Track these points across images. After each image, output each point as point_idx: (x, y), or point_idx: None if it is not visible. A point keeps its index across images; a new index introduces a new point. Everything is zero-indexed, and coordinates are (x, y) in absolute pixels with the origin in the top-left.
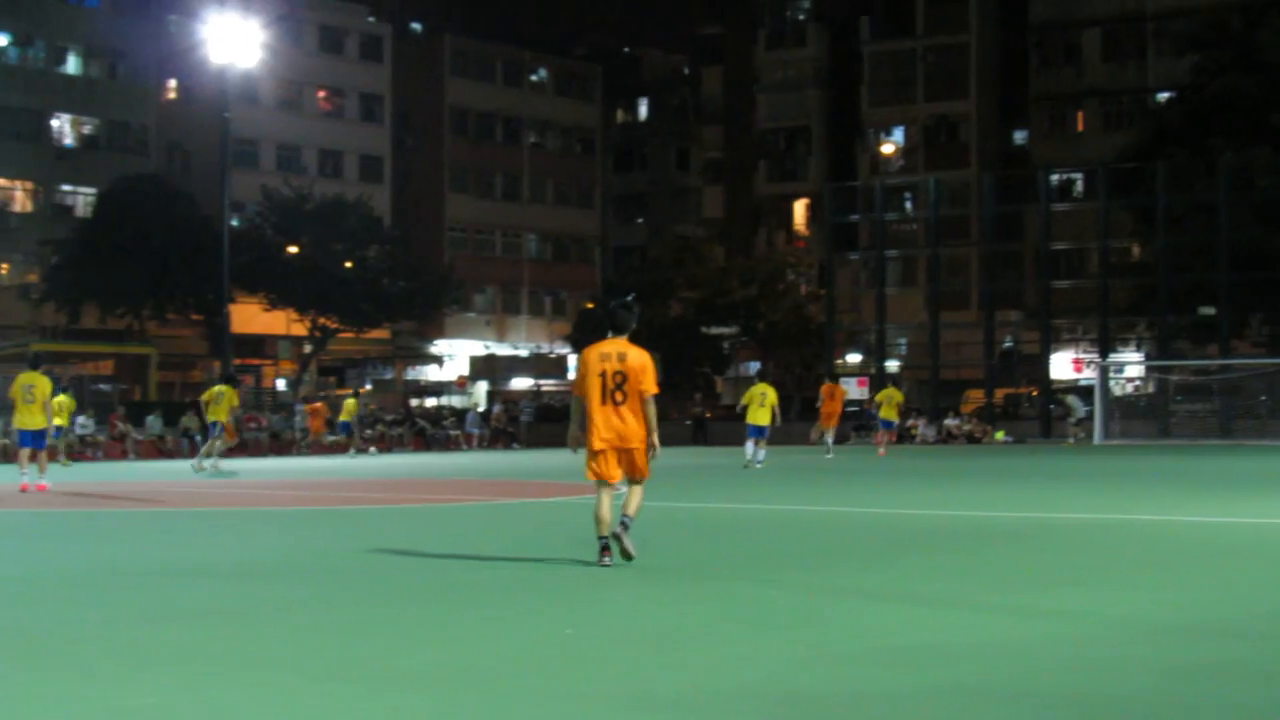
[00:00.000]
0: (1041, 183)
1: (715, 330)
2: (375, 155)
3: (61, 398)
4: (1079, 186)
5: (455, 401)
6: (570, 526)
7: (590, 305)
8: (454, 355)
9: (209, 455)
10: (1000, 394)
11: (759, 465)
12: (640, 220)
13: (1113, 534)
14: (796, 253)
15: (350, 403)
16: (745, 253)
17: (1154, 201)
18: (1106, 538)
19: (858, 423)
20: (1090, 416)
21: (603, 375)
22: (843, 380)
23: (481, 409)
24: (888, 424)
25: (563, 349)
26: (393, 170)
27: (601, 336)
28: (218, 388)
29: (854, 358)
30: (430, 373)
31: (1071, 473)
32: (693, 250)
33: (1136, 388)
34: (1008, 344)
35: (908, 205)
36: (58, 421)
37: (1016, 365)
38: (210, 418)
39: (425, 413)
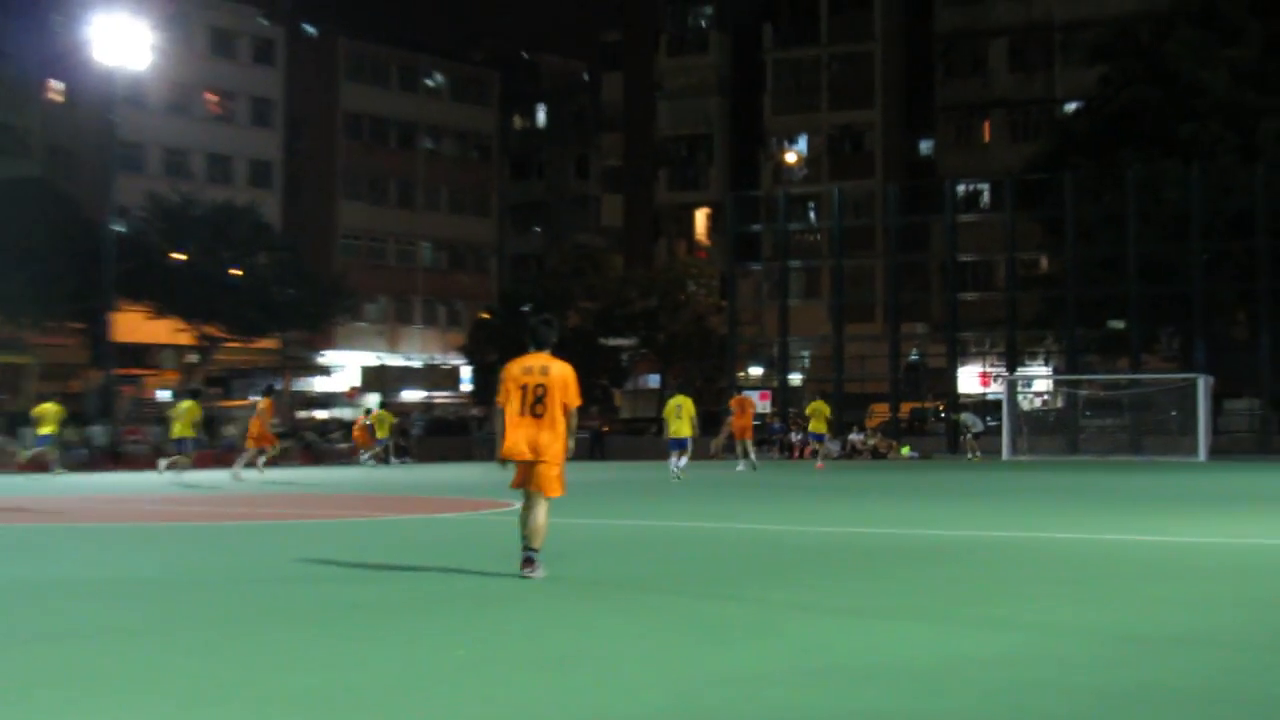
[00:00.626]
0: (948, 193)
1: (614, 342)
2: (265, 160)
3: (49, 406)
4: (985, 197)
5: (345, 413)
6: (470, 542)
7: (485, 315)
8: (344, 366)
9: (176, 468)
10: (906, 408)
11: (676, 477)
12: (538, 229)
13: (1025, 552)
14: (697, 263)
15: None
16: (645, 263)
17: (1062, 213)
18: (1020, 556)
19: (760, 437)
20: (988, 432)
21: (524, 389)
22: (745, 393)
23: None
24: (818, 437)
25: (457, 360)
26: (284, 176)
27: (522, 351)
28: (183, 404)
29: (756, 370)
30: (320, 384)
31: (977, 489)
32: (591, 260)
33: (1045, 402)
34: (914, 357)
35: (811, 215)
36: (46, 430)
37: (923, 379)
38: (175, 434)
39: (312, 424)
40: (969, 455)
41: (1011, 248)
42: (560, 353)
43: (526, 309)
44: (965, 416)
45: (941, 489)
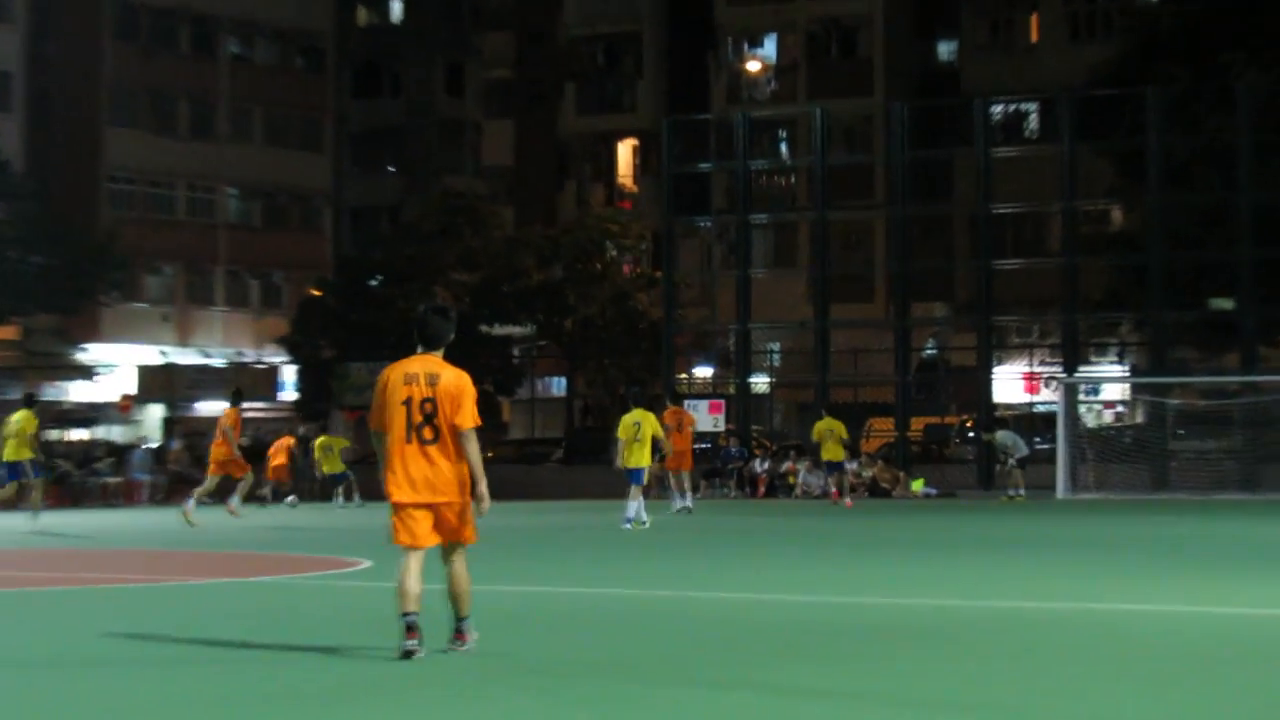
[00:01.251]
0: (978, 117)
1: (500, 330)
2: (1, 70)
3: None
4: (1033, 122)
5: (115, 434)
6: (335, 614)
7: (316, 292)
8: (114, 366)
9: (28, 508)
10: (918, 425)
11: (629, 526)
12: (391, 169)
13: (1080, 630)
14: (620, 217)
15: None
16: (545, 217)
17: (1143, 144)
18: (1074, 634)
19: (710, 465)
20: (1035, 458)
21: (407, 404)
22: (687, 403)
23: (154, 445)
24: (836, 466)
25: (275, 356)
26: (27, 92)
27: (406, 351)
28: (15, 415)
29: (704, 371)
30: (78, 391)
31: (1018, 541)
32: (468, 213)
33: (1118, 416)
34: (930, 351)
35: (783, 149)
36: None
37: (943, 383)
38: (7, 456)
39: (70, 449)
40: (1008, 493)
41: (1069, 194)
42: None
43: (376, 284)
44: (1002, 436)
45: (967, 540)
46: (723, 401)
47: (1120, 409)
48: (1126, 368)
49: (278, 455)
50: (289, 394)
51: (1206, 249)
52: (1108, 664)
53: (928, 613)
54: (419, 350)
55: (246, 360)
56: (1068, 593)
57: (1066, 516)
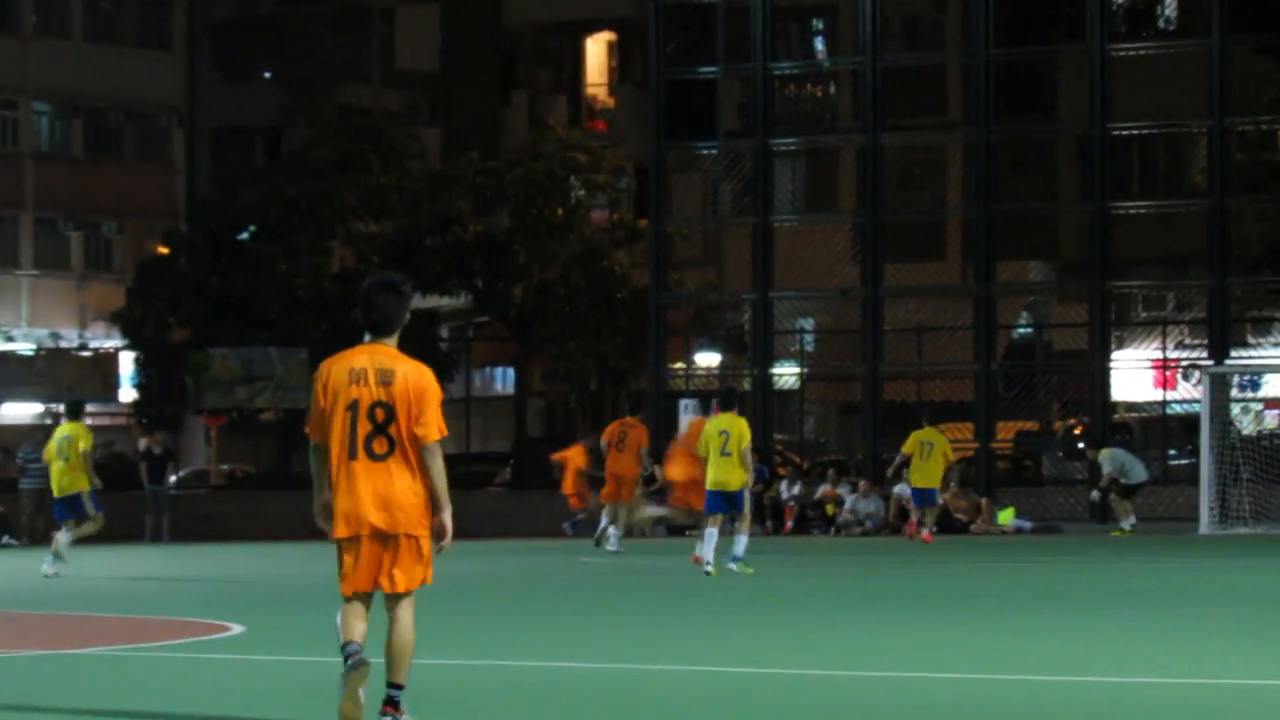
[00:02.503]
0: (1092, 1)
1: (426, 302)
2: None
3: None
4: (1168, 8)
5: None
6: (169, 700)
7: (163, 250)
8: None
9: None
10: (1007, 432)
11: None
12: (266, 74)
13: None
14: (589, 142)
15: None
16: (485, 144)
17: None
18: None
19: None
20: (1165, 480)
21: (353, 408)
22: (685, 403)
23: None
24: (925, 496)
25: (110, 341)
26: None
27: (347, 342)
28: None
29: (707, 358)
30: None
31: (1137, 595)
32: (376, 138)
33: None
34: (1024, 330)
35: (818, 46)
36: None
37: (1042, 374)
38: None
39: None
40: (1123, 525)
41: (1219, 109)
42: (309, 319)
43: (246, 238)
44: (1106, 456)
45: (1073, 594)
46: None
47: None
48: None
49: None
50: (128, 392)
51: None
52: None
53: (1038, 691)
54: (366, 339)
55: (66, 345)
56: (1210, 667)
57: (1213, 559)
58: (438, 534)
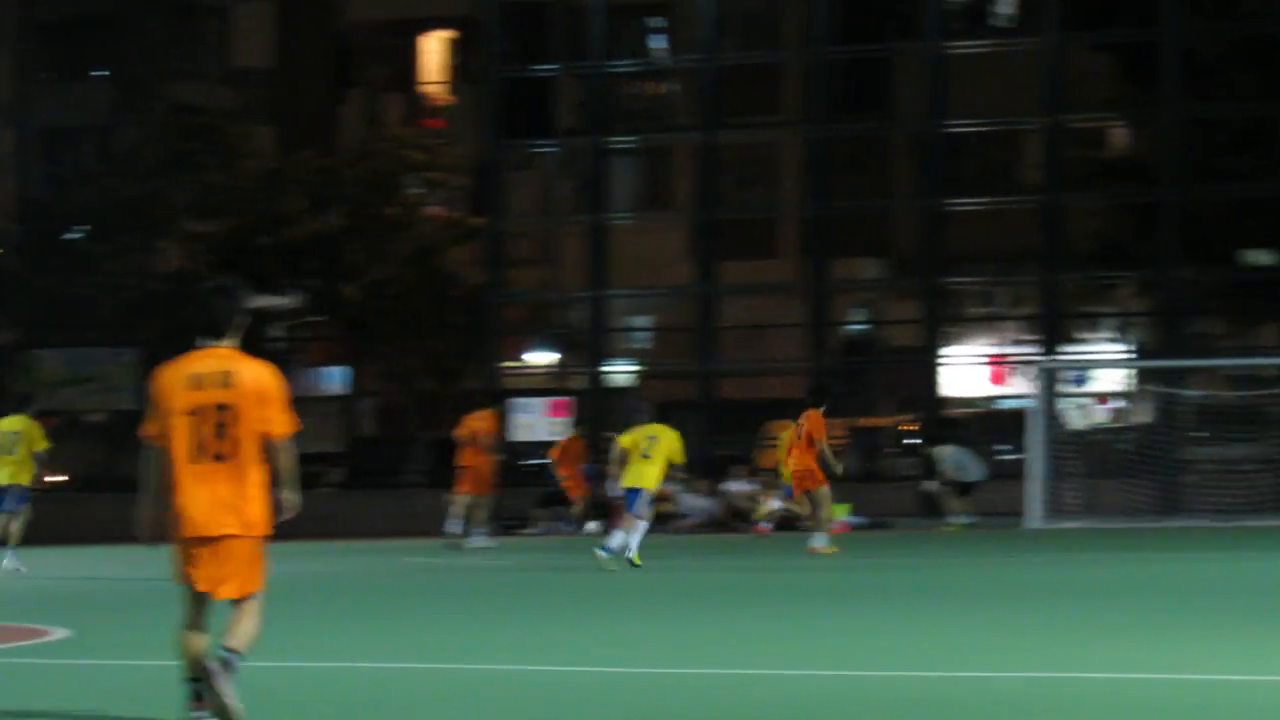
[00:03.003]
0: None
1: (259, 302)
2: None
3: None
4: (1003, 7)
5: None
6: None
7: None
8: None
9: None
10: (841, 429)
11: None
12: (99, 73)
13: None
14: (425, 140)
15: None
16: (320, 142)
17: (1154, 37)
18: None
19: (549, 488)
20: (1002, 475)
21: (194, 412)
22: (522, 404)
23: None
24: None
25: None
26: None
27: (178, 342)
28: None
29: (543, 357)
30: None
31: (972, 591)
32: (210, 136)
33: (1116, 414)
34: (858, 326)
35: (656, 42)
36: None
37: (875, 371)
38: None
39: None
40: (952, 521)
41: (1053, 106)
42: (138, 322)
43: (76, 237)
44: (943, 454)
45: (903, 589)
46: (569, 400)
47: (1119, 403)
48: (1130, 347)
49: None
50: None
51: (1239, 182)
52: None
53: (872, 687)
54: (204, 342)
55: None
56: (1044, 660)
57: (1042, 553)
58: (287, 503)
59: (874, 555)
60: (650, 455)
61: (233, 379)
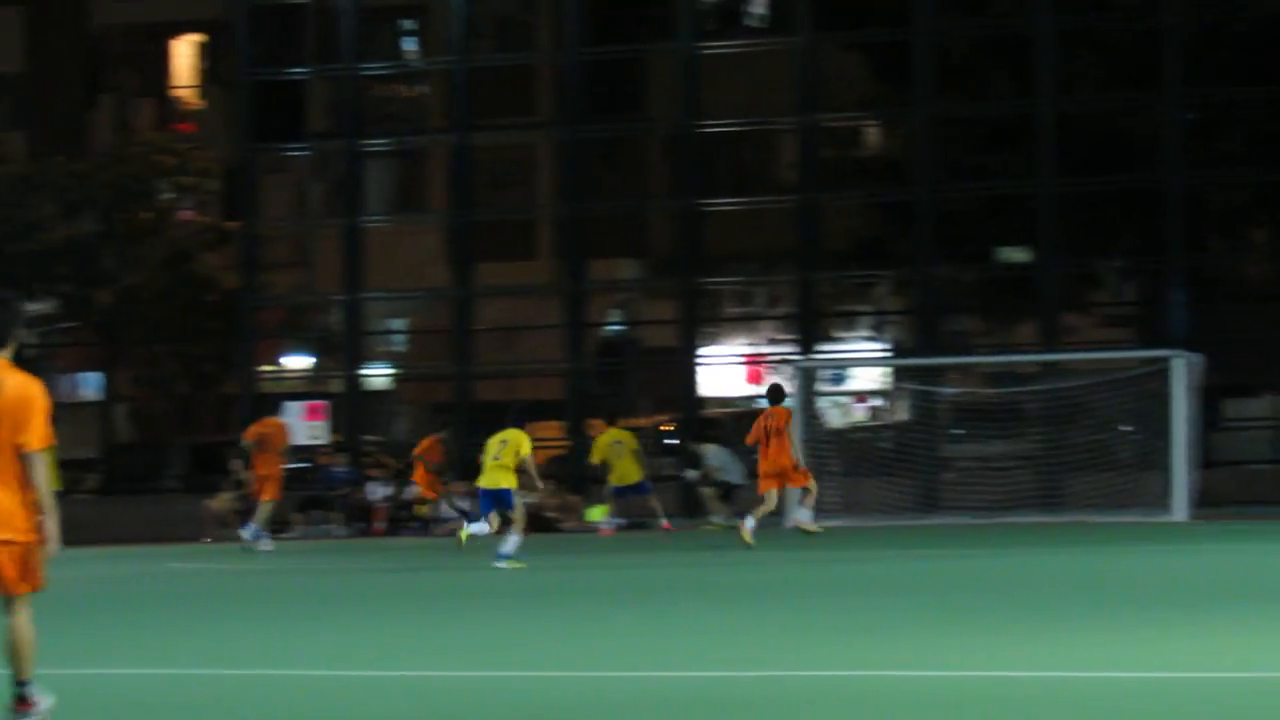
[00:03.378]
0: (681, 1)
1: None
2: None
3: None
4: (756, 7)
5: None
6: None
7: None
8: None
9: None
10: (601, 430)
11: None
12: None
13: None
14: (177, 144)
15: None
16: (70, 146)
17: (907, 36)
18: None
19: (308, 492)
20: (742, 481)
21: None
22: (281, 408)
23: None
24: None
25: None
26: None
27: None
28: None
29: (298, 361)
30: None
31: (734, 590)
32: None
33: (874, 412)
34: (615, 328)
35: (408, 44)
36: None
37: (632, 372)
38: None
39: None
40: (715, 520)
41: (807, 104)
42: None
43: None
44: (707, 451)
45: (662, 589)
46: (325, 403)
47: (877, 402)
48: (887, 344)
49: None
50: None
51: (994, 181)
52: None
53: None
54: None
55: None
56: (800, 659)
57: (803, 551)
58: (44, 539)
59: (636, 554)
60: (500, 458)
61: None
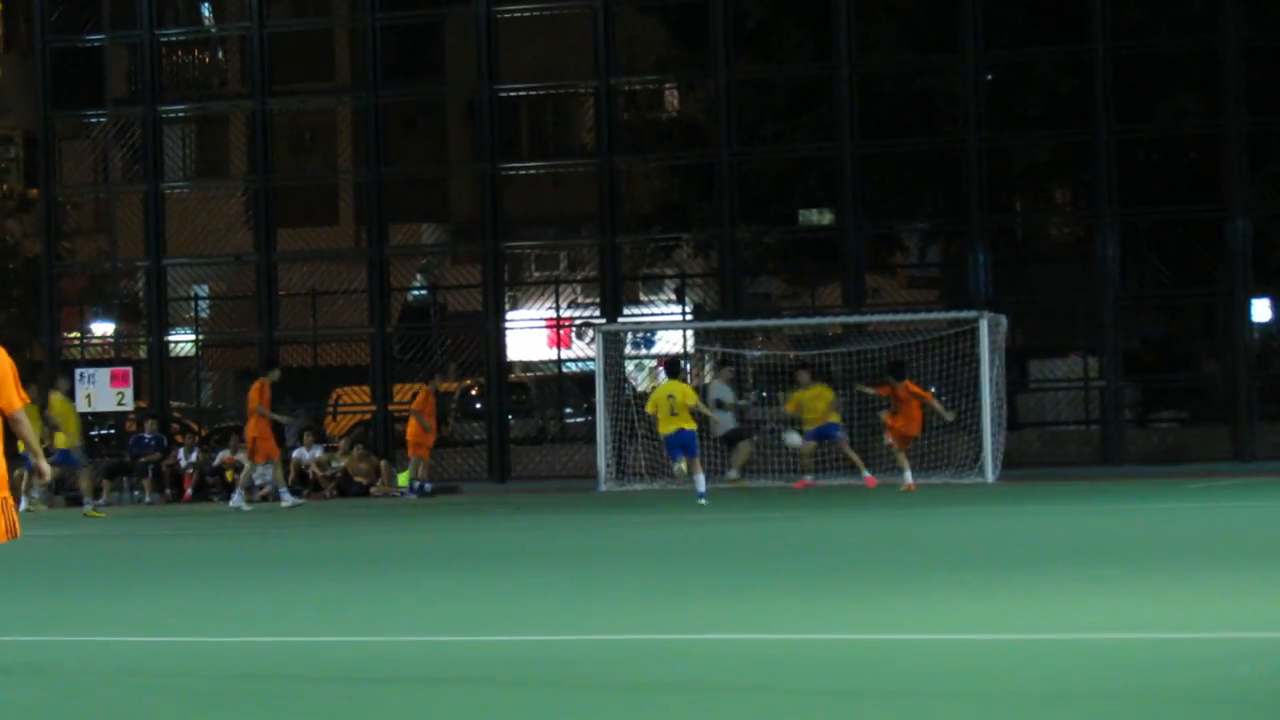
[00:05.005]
0: None
1: None
2: None
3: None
4: None
5: None
6: None
7: None
8: None
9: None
10: (405, 394)
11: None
12: None
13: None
14: None
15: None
16: None
17: None
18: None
19: (115, 459)
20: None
21: None
22: (86, 375)
23: None
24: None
25: None
26: None
27: None
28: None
29: (102, 328)
30: None
31: (560, 555)
32: None
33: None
34: (418, 292)
35: (205, 13)
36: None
37: (437, 336)
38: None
39: None
40: None
41: (606, 69)
42: None
43: None
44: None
45: (472, 553)
46: (129, 370)
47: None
48: (688, 309)
49: None
50: None
51: (794, 143)
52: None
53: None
54: None
55: None
56: (623, 622)
57: (610, 514)
58: (39, 473)
59: (445, 519)
60: (677, 412)
61: None
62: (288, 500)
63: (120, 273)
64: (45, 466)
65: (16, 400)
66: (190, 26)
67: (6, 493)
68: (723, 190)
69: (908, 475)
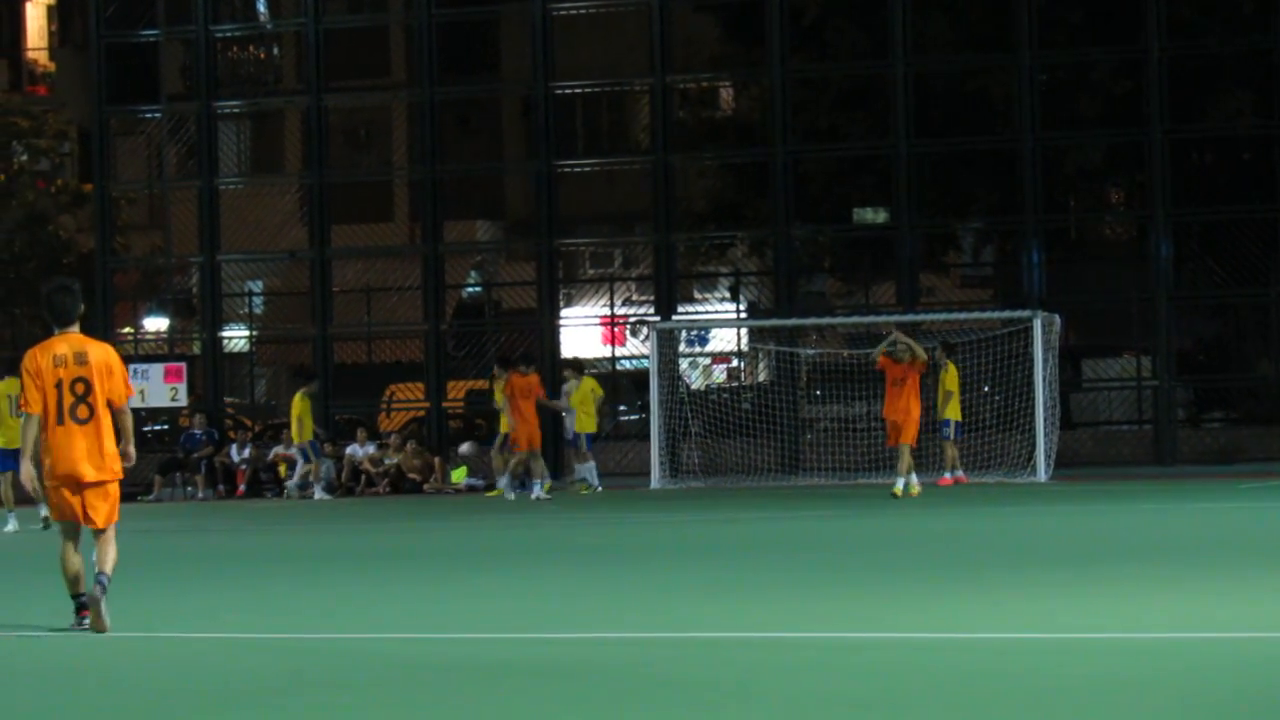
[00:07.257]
0: None
1: None
2: None
3: None
4: None
5: None
6: None
7: None
8: None
9: None
10: (458, 391)
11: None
12: None
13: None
14: (31, 107)
15: None
16: None
17: None
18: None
19: (169, 454)
20: (621, 436)
21: (59, 386)
22: (140, 370)
23: None
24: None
25: None
26: None
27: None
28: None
29: (156, 323)
30: None
31: (615, 554)
32: None
33: (733, 374)
34: (472, 289)
35: (261, 9)
36: None
37: (491, 333)
38: None
39: None
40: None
41: (660, 67)
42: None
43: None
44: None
45: (527, 551)
46: (183, 365)
47: (736, 363)
48: (744, 306)
49: None
50: None
51: (849, 141)
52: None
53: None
54: (56, 331)
55: None
56: (650, 621)
57: (665, 513)
58: (125, 455)
59: (499, 515)
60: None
61: (86, 357)
62: (536, 492)
63: (174, 268)
64: (132, 451)
65: (124, 395)
66: (245, 22)
67: (119, 477)
68: (777, 188)
69: (900, 481)
